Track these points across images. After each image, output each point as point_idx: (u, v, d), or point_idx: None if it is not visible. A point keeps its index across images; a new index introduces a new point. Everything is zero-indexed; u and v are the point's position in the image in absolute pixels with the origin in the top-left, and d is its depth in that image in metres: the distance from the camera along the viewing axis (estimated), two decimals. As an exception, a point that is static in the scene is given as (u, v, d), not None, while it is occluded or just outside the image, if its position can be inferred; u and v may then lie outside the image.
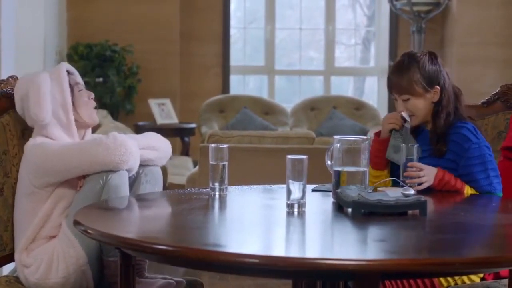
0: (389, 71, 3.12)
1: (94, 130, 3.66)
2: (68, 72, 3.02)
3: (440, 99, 3.04)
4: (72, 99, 2.97)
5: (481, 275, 2.90)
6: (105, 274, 2.86)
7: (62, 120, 2.94)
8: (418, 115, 3.05)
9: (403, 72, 3.03)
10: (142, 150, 2.94)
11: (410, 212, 2.51)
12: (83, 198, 2.81)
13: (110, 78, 7.85)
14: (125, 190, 2.84)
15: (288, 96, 9.45)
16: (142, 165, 2.96)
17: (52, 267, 2.83)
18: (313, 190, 2.93)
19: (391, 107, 9.11)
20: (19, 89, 2.96)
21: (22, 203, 2.91)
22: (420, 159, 2.98)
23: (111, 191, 2.80)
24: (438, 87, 3.04)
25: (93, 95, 3.04)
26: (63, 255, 2.82)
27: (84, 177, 2.86)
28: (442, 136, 3.02)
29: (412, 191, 2.63)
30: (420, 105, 3.03)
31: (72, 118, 2.95)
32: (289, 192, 2.52)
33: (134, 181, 2.97)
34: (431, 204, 2.59)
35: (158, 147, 3.01)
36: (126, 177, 2.86)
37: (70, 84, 2.99)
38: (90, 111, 3.02)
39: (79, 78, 3.06)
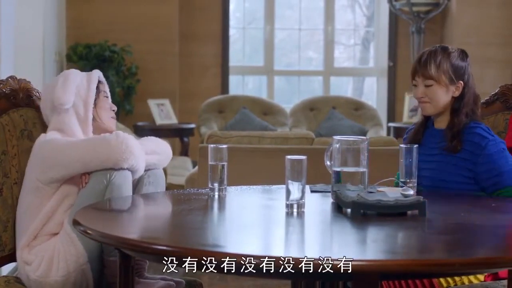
0: (417, 56, 3.12)
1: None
2: (100, 81, 3.08)
3: (462, 95, 3.06)
4: (95, 100, 3.03)
5: (482, 276, 2.90)
6: (105, 274, 2.87)
7: (80, 114, 2.99)
8: (435, 104, 3.06)
9: (433, 59, 3.04)
10: (147, 156, 2.96)
11: (409, 212, 2.51)
12: (86, 196, 2.82)
13: (109, 78, 7.84)
14: (128, 190, 2.86)
15: (287, 97, 9.45)
16: (146, 169, 2.97)
17: (52, 265, 2.83)
18: (312, 191, 2.93)
19: (390, 108, 9.10)
20: (52, 83, 3.04)
21: (27, 199, 2.92)
22: (431, 156, 2.99)
23: (114, 190, 2.81)
24: (462, 82, 3.06)
25: (115, 108, 3.12)
26: (63, 253, 2.82)
27: (88, 174, 2.87)
28: (457, 134, 3.02)
29: (411, 192, 2.63)
30: (440, 94, 3.04)
31: (90, 116, 3.01)
32: (288, 192, 2.52)
33: (137, 183, 2.99)
34: (430, 205, 2.59)
35: (160, 151, 3.04)
36: (130, 177, 2.87)
37: (98, 87, 3.06)
38: (108, 117, 3.08)
39: (107, 89, 3.13)
